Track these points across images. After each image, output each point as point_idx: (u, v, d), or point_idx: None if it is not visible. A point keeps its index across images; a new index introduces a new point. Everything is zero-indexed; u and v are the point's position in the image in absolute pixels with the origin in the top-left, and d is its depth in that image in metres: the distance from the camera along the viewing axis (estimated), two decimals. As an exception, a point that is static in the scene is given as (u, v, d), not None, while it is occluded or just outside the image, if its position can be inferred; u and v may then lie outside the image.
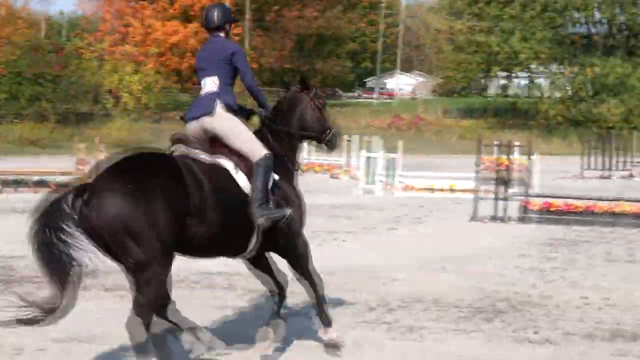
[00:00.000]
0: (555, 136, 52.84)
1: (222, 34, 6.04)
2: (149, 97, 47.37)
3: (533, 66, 67.70)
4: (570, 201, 14.75)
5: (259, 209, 5.58)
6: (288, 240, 5.90)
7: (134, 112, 46.07)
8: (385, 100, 79.86)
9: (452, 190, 19.84)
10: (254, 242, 5.69)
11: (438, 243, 12.15)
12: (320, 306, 6.07)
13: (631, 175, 27.17)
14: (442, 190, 19.90)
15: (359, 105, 75.26)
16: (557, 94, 52.93)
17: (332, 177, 25.72)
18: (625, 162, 28.50)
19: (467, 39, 61.14)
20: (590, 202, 14.61)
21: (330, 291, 8.40)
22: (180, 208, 5.10)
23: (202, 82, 5.94)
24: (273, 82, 72.23)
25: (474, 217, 14.97)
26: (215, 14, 6.00)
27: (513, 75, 65.50)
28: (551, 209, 14.43)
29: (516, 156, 16.14)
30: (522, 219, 14.58)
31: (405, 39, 79.74)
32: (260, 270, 6.10)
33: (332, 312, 6.45)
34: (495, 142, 20.72)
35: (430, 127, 57.41)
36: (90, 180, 5.08)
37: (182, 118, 6.07)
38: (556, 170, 29.73)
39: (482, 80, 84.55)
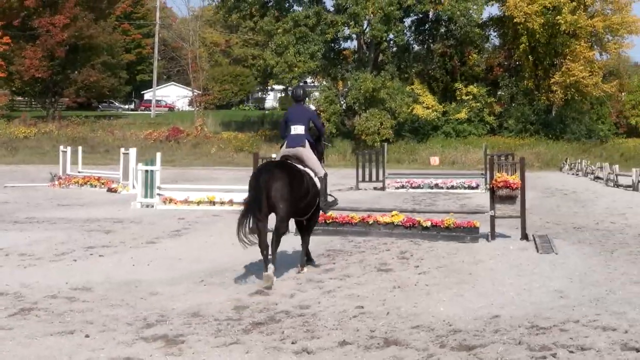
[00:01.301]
0: (333, 149, 54.65)
1: (302, 103, 11.15)
2: None
3: (309, 80, 69.67)
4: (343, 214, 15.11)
5: (325, 204, 10.94)
6: (316, 212, 11.06)
7: None
8: (164, 113, 79.16)
9: (226, 203, 19.82)
10: (312, 211, 10.75)
11: (209, 256, 11.95)
12: (306, 252, 10.89)
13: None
14: (215, 204, 19.89)
15: (138, 117, 74.09)
16: (331, 108, 54.42)
17: (109, 190, 24.92)
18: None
19: (243, 52, 61.67)
20: (364, 214, 15.03)
21: (86, 307, 8.24)
22: (299, 191, 9.96)
23: (293, 128, 10.59)
24: (23, 92, 69.23)
25: (252, 230, 14.92)
26: (301, 92, 11.02)
27: (290, 88, 66.82)
28: (328, 221, 14.69)
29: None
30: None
31: (175, 50, 78.87)
32: (298, 229, 11.27)
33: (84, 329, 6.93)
34: (274, 155, 21.08)
35: (208, 140, 57.45)
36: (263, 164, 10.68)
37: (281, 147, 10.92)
38: (334, 183, 30.61)
39: (260, 93, 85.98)
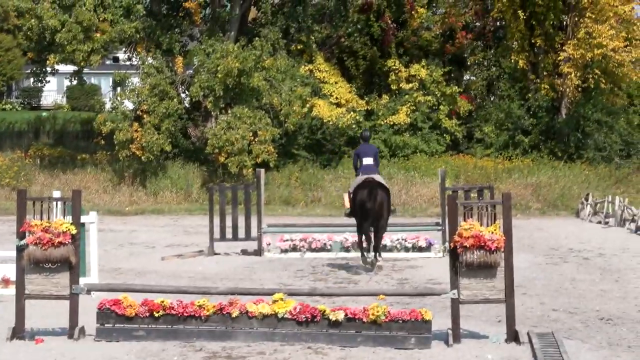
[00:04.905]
0: (166, 181, 54.24)
1: (369, 142, 27.42)
2: None
3: (122, 55, 69.45)
4: (154, 296, 15.09)
5: (393, 210, 27.26)
6: (387, 219, 25.93)
7: None
8: None
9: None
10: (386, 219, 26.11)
11: None
12: (378, 250, 25.56)
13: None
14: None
15: None
16: (162, 106, 53.56)
17: None
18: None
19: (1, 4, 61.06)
20: (224, 299, 15.04)
21: None
22: (389, 203, 26.06)
23: (364, 159, 25.64)
24: None
25: (16, 333, 14.74)
26: (368, 134, 27.87)
27: (82, 72, 66.17)
28: (157, 312, 14.62)
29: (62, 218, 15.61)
30: (103, 333, 14.60)
31: None
32: (372, 234, 25.65)
33: None
34: (56, 193, 20.80)
35: None
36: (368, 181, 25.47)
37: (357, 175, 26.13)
38: (170, 244, 30.36)
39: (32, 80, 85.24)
